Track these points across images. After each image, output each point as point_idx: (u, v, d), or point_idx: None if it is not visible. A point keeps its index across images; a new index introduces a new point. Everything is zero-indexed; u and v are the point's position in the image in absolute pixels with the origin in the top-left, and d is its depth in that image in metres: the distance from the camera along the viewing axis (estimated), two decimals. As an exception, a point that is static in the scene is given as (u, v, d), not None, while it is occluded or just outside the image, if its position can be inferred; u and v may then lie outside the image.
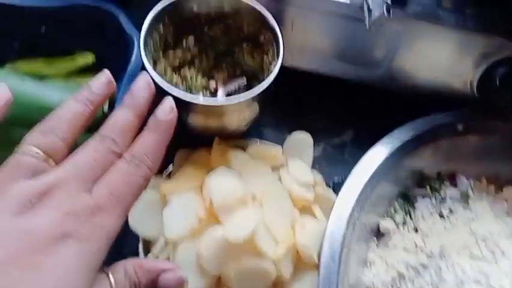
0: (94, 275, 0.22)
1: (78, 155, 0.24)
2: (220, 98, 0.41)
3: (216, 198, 0.35)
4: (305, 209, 0.41)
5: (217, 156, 0.40)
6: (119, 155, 0.24)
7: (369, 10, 0.40)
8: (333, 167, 0.50)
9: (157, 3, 0.40)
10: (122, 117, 0.26)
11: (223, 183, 0.36)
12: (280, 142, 0.50)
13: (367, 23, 0.40)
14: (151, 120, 0.26)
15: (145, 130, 0.26)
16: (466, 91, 0.47)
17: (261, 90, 0.37)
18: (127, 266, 0.24)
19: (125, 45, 0.43)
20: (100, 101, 0.27)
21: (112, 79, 0.28)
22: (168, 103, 0.27)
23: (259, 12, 0.41)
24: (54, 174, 0.22)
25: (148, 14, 0.39)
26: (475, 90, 0.46)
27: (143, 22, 0.38)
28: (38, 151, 0.23)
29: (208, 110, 0.38)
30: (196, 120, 0.39)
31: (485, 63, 0.44)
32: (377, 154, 0.42)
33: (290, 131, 0.51)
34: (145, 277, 0.24)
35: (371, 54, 0.46)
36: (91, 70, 0.45)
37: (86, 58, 0.44)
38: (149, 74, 0.37)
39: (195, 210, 0.35)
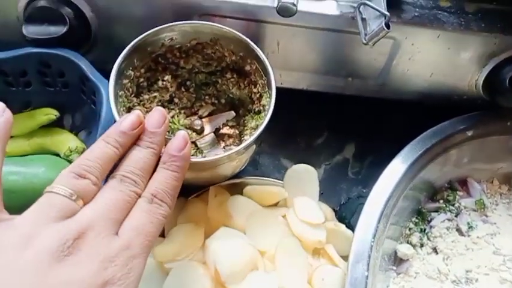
0: None
1: (104, 196, 0.24)
2: (215, 154, 0.36)
3: (223, 268, 0.31)
4: (318, 250, 0.38)
5: (214, 210, 0.35)
6: (139, 195, 0.25)
7: (364, 22, 0.36)
8: (337, 187, 0.47)
9: (122, 44, 0.34)
10: (141, 158, 0.26)
11: (227, 249, 0.32)
12: (279, 170, 0.46)
13: (363, 39, 0.36)
14: (165, 157, 0.26)
15: (160, 167, 0.26)
16: (472, 93, 0.44)
17: (260, 132, 0.33)
18: None
19: (90, 94, 0.38)
20: (129, 143, 0.26)
21: (143, 119, 0.27)
22: (180, 137, 0.27)
23: (241, 40, 0.36)
24: (85, 215, 0.23)
25: (112, 57, 0.34)
26: (481, 91, 0.43)
27: (108, 67, 0.33)
28: (72, 192, 0.23)
29: (200, 165, 0.33)
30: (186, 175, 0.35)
31: (491, 63, 0.40)
32: (389, 178, 0.39)
33: (287, 156, 0.48)
34: None
35: (367, 67, 0.42)
36: (53, 123, 0.40)
37: (49, 114, 0.38)
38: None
39: (201, 281, 0.31)
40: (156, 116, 0.28)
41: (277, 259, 0.32)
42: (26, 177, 0.32)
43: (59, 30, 0.36)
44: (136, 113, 0.27)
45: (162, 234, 0.37)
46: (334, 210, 0.43)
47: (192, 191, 0.40)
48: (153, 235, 0.24)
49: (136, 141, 0.27)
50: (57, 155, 0.38)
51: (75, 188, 0.23)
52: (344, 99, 0.47)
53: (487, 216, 0.42)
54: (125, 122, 0.26)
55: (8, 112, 0.25)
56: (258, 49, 0.35)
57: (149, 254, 0.24)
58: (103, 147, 0.25)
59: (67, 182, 0.23)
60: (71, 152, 0.36)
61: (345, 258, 0.38)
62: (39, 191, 0.32)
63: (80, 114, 0.41)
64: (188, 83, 0.41)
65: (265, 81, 0.36)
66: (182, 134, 0.28)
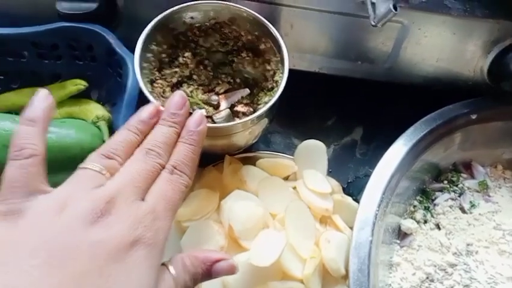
0: (158, 272, 0.24)
1: (131, 167, 0.26)
2: (227, 120, 0.39)
3: (236, 224, 0.33)
4: (325, 219, 0.40)
5: (229, 176, 0.38)
6: (163, 166, 0.27)
7: (373, 6, 0.38)
8: (345, 166, 0.49)
9: (146, 23, 0.37)
10: (164, 133, 0.29)
11: (241, 207, 0.34)
12: (289, 148, 0.49)
13: (372, 21, 0.38)
14: (184, 132, 0.29)
15: (180, 142, 0.29)
16: (477, 79, 0.45)
17: (271, 105, 0.35)
18: (184, 259, 0.26)
19: (116, 67, 0.41)
20: (147, 129, 0.29)
21: (161, 109, 0.30)
22: (198, 115, 0.30)
23: (257, 20, 0.38)
24: (114, 183, 0.25)
25: (138, 35, 0.36)
26: (486, 77, 0.45)
27: (133, 45, 0.36)
28: (102, 167, 0.26)
29: (216, 131, 0.36)
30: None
31: (496, 48, 0.42)
32: (394, 155, 0.41)
33: (298, 136, 0.50)
34: (200, 267, 0.26)
35: (376, 50, 0.44)
36: (81, 95, 0.43)
37: (78, 84, 0.41)
38: (146, 97, 0.35)
39: (215, 238, 0.34)
40: (177, 99, 0.30)
41: (287, 220, 0.34)
42: (59, 136, 0.35)
43: (90, 6, 0.39)
44: (154, 104, 0.30)
45: (179, 200, 0.40)
46: (342, 187, 0.45)
47: (208, 162, 0.42)
48: (175, 201, 0.26)
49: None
50: (85, 122, 0.41)
51: (104, 165, 0.26)
52: (354, 82, 0.49)
53: (489, 196, 0.44)
54: (144, 112, 0.30)
55: (51, 97, 0.27)
56: (273, 27, 0.38)
57: (173, 218, 0.26)
58: (126, 133, 0.28)
59: (97, 160, 0.26)
60: (98, 119, 0.39)
61: (351, 228, 0.40)
62: (70, 148, 0.36)
63: (106, 88, 0.44)
64: (206, 62, 0.43)
65: (279, 58, 0.39)
66: (199, 112, 0.31)
